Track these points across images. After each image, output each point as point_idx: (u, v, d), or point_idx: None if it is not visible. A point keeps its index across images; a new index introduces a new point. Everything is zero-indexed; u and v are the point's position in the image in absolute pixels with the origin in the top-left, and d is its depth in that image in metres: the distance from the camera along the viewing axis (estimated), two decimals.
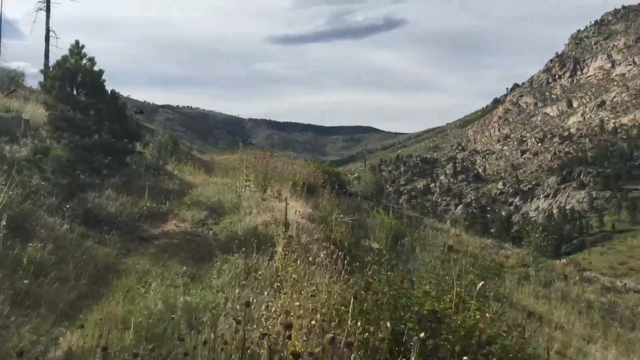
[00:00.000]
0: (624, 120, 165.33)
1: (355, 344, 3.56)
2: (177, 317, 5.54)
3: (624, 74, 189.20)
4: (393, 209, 17.92)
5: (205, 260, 8.05)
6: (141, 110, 16.18)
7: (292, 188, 13.20)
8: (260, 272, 6.64)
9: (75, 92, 9.84)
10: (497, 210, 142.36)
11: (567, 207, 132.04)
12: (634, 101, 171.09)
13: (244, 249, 7.65)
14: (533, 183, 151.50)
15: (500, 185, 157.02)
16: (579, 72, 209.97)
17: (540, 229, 19.63)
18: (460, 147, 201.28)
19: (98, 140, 9.58)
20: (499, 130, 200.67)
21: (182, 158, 19.03)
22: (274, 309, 4.68)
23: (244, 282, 6.51)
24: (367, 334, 3.95)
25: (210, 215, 10.56)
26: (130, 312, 5.57)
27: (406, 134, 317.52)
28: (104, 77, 9.92)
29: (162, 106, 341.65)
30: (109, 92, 10.09)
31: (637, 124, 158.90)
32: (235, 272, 6.94)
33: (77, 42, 10.02)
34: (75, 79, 9.71)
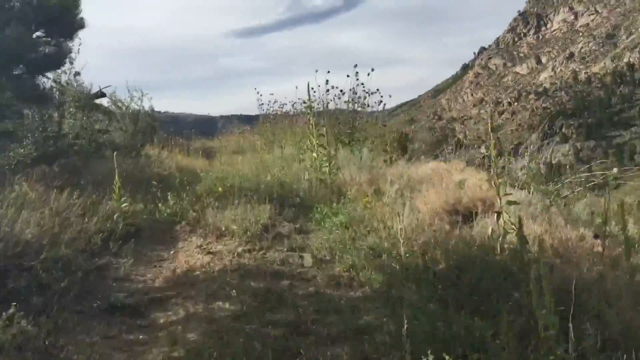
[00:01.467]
0: (595, 69, 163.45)
1: None
2: None
3: (587, 24, 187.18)
4: None
5: None
6: (103, 93, 9.83)
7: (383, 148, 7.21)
8: None
9: None
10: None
11: (554, 161, 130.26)
12: (601, 49, 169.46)
13: None
14: (515, 142, 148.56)
15: (482, 149, 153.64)
16: (543, 28, 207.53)
17: None
18: (436, 117, 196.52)
19: None
20: (472, 95, 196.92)
21: (165, 143, 12.78)
22: None
23: None
24: None
25: (280, 214, 4.39)
26: None
27: (379, 111, 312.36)
28: None
29: None
30: None
31: (608, 71, 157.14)
32: None
33: None
34: None
